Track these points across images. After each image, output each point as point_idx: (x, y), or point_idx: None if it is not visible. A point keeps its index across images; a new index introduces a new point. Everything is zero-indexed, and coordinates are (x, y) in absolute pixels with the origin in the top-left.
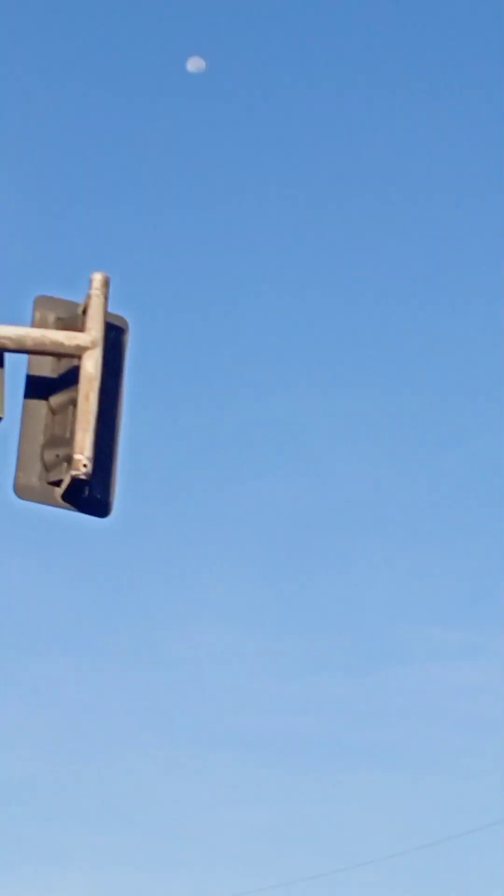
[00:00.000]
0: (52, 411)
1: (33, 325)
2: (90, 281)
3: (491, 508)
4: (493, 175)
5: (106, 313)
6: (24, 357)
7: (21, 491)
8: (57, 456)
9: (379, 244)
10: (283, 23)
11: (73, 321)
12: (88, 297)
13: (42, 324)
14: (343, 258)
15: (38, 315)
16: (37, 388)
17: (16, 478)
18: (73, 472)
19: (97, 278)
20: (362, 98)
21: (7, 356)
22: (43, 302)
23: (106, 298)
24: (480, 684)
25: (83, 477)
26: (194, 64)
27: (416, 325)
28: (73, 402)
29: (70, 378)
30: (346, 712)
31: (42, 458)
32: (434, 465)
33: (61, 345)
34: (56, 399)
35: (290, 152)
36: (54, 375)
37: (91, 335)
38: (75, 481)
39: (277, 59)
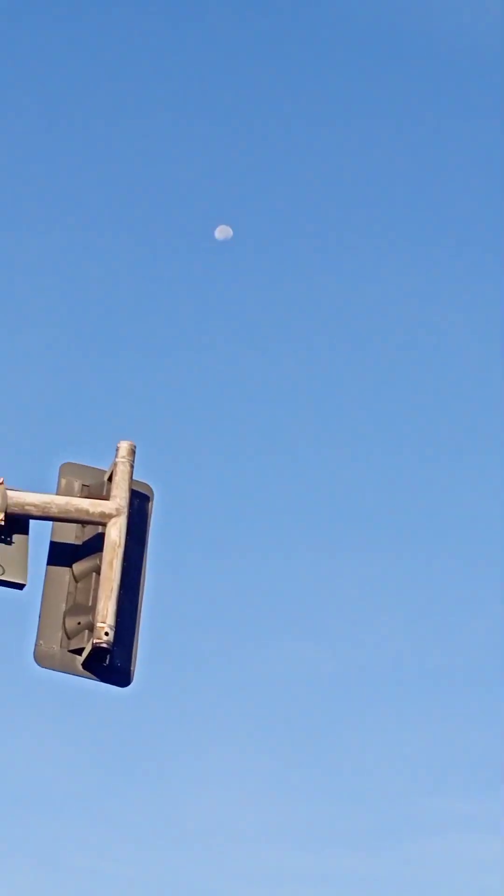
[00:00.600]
0: (75, 578)
1: (59, 491)
2: (116, 449)
3: None
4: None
5: (131, 481)
6: (49, 524)
7: (41, 659)
8: (79, 623)
9: (385, 404)
10: (309, 194)
11: (99, 488)
12: (114, 464)
13: (67, 491)
14: (355, 420)
15: (63, 482)
16: (60, 554)
17: (36, 646)
18: (95, 641)
19: (123, 446)
20: (390, 267)
21: (32, 523)
22: (69, 469)
23: (132, 466)
24: (500, 857)
25: (105, 645)
26: (222, 232)
27: (437, 488)
28: (97, 570)
29: (94, 545)
30: (359, 885)
31: (64, 626)
32: (454, 633)
33: (86, 512)
34: (79, 566)
35: (314, 320)
36: (78, 542)
37: (116, 503)
38: (97, 650)
39: (304, 229)
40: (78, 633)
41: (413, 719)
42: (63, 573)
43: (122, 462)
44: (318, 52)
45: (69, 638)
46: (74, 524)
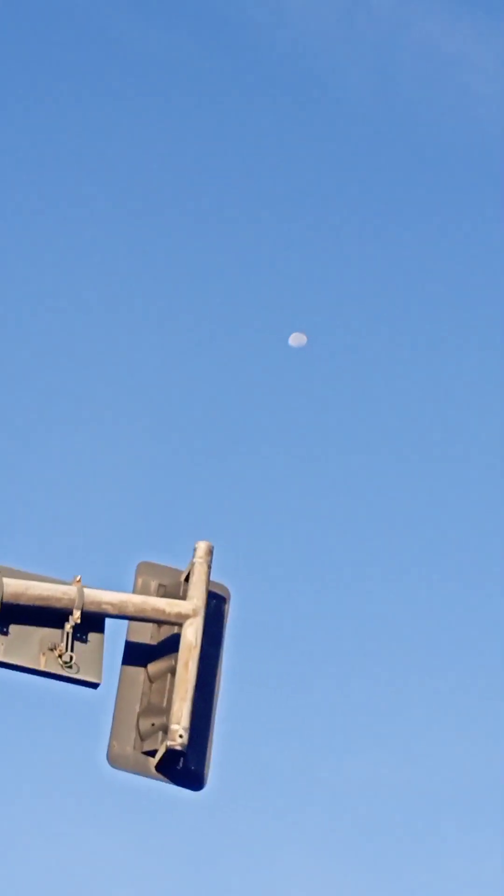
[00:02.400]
0: (150, 679)
1: (135, 591)
2: (194, 549)
3: None
4: None
5: (208, 582)
6: (125, 623)
7: (115, 760)
8: (153, 725)
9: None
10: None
11: (176, 588)
12: (192, 564)
13: (144, 590)
14: (428, 526)
15: (140, 581)
16: (135, 654)
17: (110, 746)
18: (169, 743)
19: (201, 546)
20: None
21: (108, 622)
22: (146, 568)
23: (209, 567)
24: None
25: (179, 748)
26: (296, 339)
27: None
28: (172, 671)
29: (170, 645)
30: None
31: (137, 727)
32: None
33: (162, 612)
34: (154, 666)
35: (393, 425)
36: (154, 642)
37: (193, 603)
38: (170, 752)
39: (380, 335)
40: (152, 734)
41: (493, 835)
42: (138, 673)
43: (200, 562)
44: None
45: (143, 739)
46: (150, 624)
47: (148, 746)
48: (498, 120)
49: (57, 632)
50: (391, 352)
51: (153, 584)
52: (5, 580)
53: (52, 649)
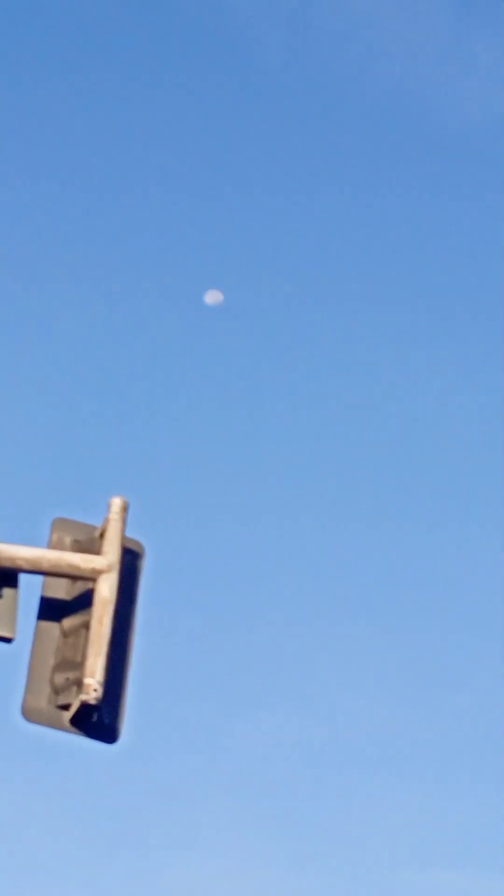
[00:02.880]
0: (65, 634)
1: (50, 546)
2: (109, 505)
3: (496, 748)
4: None
5: (123, 538)
6: (39, 578)
7: (29, 713)
8: (67, 679)
9: (377, 472)
10: (301, 257)
11: (90, 544)
12: (106, 520)
13: (59, 546)
14: (346, 486)
15: (54, 537)
16: (50, 609)
17: (24, 700)
18: (83, 697)
19: (116, 502)
20: (387, 332)
21: (22, 577)
22: (60, 524)
23: (124, 523)
24: None
25: (93, 701)
26: (212, 297)
27: (421, 562)
28: (86, 626)
29: (84, 601)
30: None
31: (52, 681)
32: (440, 704)
33: (77, 567)
34: (69, 621)
35: (306, 383)
36: (68, 598)
37: (107, 559)
38: (84, 706)
39: (295, 293)
40: (66, 688)
41: (399, 790)
42: (52, 628)
43: (115, 518)
44: (316, 124)
45: (57, 693)
46: (65, 579)
47: (62, 700)
48: (404, 76)
49: None
50: (306, 310)
51: (68, 540)
52: None
53: None
